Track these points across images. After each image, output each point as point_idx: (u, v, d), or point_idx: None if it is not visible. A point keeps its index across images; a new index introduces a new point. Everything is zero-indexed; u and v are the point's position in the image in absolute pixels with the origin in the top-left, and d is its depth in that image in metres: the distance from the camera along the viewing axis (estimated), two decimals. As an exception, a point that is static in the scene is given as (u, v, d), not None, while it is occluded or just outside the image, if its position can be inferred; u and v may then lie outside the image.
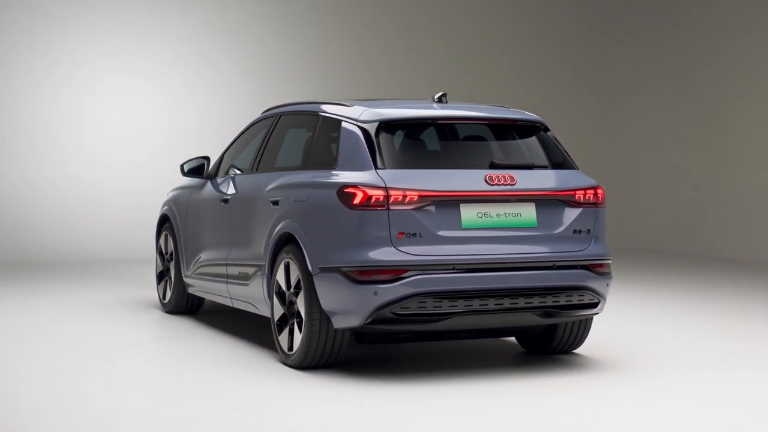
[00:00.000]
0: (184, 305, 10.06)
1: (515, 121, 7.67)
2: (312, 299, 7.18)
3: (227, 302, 8.87)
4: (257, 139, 8.91)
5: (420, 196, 6.94)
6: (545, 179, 7.35)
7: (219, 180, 9.20)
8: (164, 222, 10.37)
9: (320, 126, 7.80)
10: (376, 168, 7.07)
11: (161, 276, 10.43)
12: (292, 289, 7.48)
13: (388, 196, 6.90)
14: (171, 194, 10.36)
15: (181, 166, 9.56)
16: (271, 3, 16.82)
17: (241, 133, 9.36)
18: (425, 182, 7.00)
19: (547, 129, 7.77)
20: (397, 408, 6.34)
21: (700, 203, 17.14)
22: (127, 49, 16.08)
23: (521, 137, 7.66)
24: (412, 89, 16.78)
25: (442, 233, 6.97)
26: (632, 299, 11.43)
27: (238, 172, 8.93)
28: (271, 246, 7.75)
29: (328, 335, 7.22)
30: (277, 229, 7.66)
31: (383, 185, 6.93)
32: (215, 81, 16.48)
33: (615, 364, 7.74)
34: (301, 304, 7.33)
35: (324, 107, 7.91)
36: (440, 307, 6.89)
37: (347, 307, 6.94)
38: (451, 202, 7.02)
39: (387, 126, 7.31)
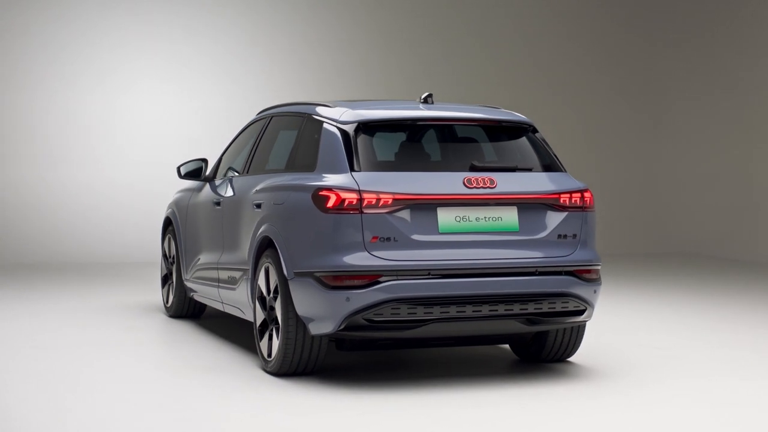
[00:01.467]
0: (186, 309, 9.95)
1: (500, 122, 7.43)
2: (288, 305, 7.02)
3: (220, 307, 8.74)
4: (251, 141, 8.78)
5: (394, 200, 6.74)
6: (528, 182, 7.10)
7: (217, 182, 9.07)
8: (168, 225, 10.28)
9: (304, 127, 7.64)
10: (353, 170, 6.89)
11: (165, 279, 10.34)
12: (271, 294, 7.32)
13: (361, 200, 6.71)
14: (175, 196, 10.27)
15: (178, 169, 9.43)
16: (288, 5, 16.77)
17: (238, 135, 9.23)
18: (401, 185, 6.79)
19: (535, 130, 7.52)
20: (376, 416, 6.16)
21: (745, 206, 16.71)
22: (151, 53, 16.09)
23: (507, 139, 7.43)
24: (417, 90, 16.59)
25: (417, 238, 6.76)
26: (651, 305, 11.13)
27: (235, 174, 8.80)
28: (253, 250, 7.60)
29: (305, 342, 7.05)
30: (258, 233, 7.51)
31: (357, 188, 6.74)
32: (240, 82, 16.41)
33: (605, 373, 7.48)
34: (279, 310, 7.17)
35: (308, 108, 7.75)
36: (415, 313, 6.68)
37: (320, 313, 6.76)
38: (427, 206, 6.81)
39: (366, 127, 7.13)
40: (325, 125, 7.30)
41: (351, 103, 7.57)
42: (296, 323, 6.99)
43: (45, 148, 15.81)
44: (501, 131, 7.46)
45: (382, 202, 6.72)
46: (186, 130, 16.19)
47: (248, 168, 8.47)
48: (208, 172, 9.41)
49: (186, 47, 16.30)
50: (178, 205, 9.98)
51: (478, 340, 7.41)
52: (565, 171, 7.38)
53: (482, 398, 6.63)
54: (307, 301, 6.84)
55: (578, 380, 7.23)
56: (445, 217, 6.84)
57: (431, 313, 6.70)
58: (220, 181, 9.01)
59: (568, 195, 7.14)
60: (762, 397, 6.75)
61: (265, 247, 7.43)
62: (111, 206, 15.83)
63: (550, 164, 7.35)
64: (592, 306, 7.16)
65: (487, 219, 6.91)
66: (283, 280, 7.05)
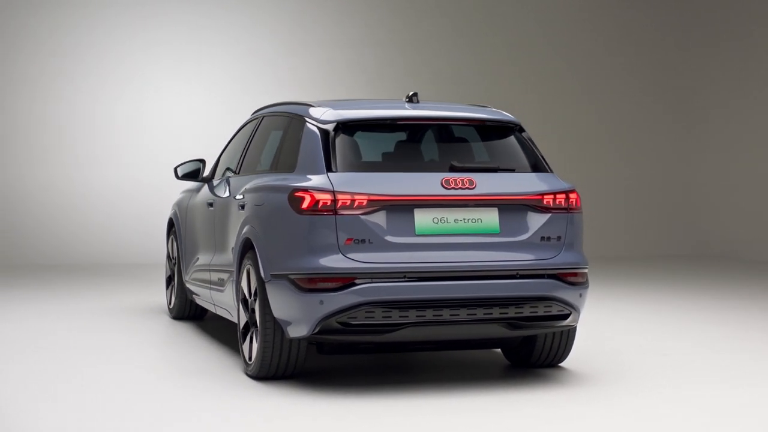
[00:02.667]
0: (188, 311, 9.88)
1: (483, 121, 7.25)
2: (265, 307, 6.90)
3: (212, 309, 8.66)
4: (244, 141, 8.69)
5: (369, 201, 6.59)
6: (510, 183, 6.90)
7: (215, 182, 8.99)
8: (172, 225, 10.23)
9: (290, 127, 7.53)
10: (329, 171, 6.76)
11: (169, 281, 10.29)
12: (252, 297, 7.22)
13: (335, 201, 6.57)
14: (178, 197, 10.21)
15: (175, 170, 9.34)
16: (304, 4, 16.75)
17: (235, 135, 9.14)
18: (376, 186, 6.64)
19: (522, 130, 7.33)
20: (356, 422, 6.01)
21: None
22: (176, 54, 16.11)
23: (491, 139, 7.25)
24: (426, 89, 16.42)
25: (393, 240, 6.60)
26: (664, 308, 10.90)
27: (232, 174, 8.71)
28: (237, 252, 7.51)
29: (283, 345, 6.92)
30: (241, 234, 7.41)
31: (331, 189, 6.60)
32: (263, 83, 16.37)
33: (594, 378, 7.27)
34: (257, 313, 7.06)
35: (295, 108, 7.64)
36: (390, 317, 6.52)
37: (295, 316, 6.64)
38: (404, 207, 6.65)
39: (345, 127, 6.99)
40: (306, 125, 7.18)
41: (336, 103, 7.44)
42: (274, 326, 6.87)
43: (56, 149, 15.89)
44: (486, 131, 7.28)
45: (356, 204, 6.58)
46: (207, 130, 16.17)
47: (240, 168, 8.38)
48: (208, 173, 9.33)
49: (215, 48, 16.30)
50: (179, 206, 9.92)
51: (462, 344, 7.23)
52: (551, 171, 7.18)
53: (467, 404, 6.45)
54: (282, 303, 6.72)
55: (566, 386, 7.03)
56: (422, 218, 6.68)
57: (407, 316, 6.54)
58: (218, 181, 8.92)
59: (551, 196, 6.94)
60: (754, 407, 6.51)
61: (247, 248, 7.33)
62: (128, 207, 15.86)
63: (535, 164, 7.16)
64: (577, 310, 6.96)
65: (466, 220, 6.74)
66: (261, 283, 6.94)
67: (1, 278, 13.56)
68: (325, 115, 7.09)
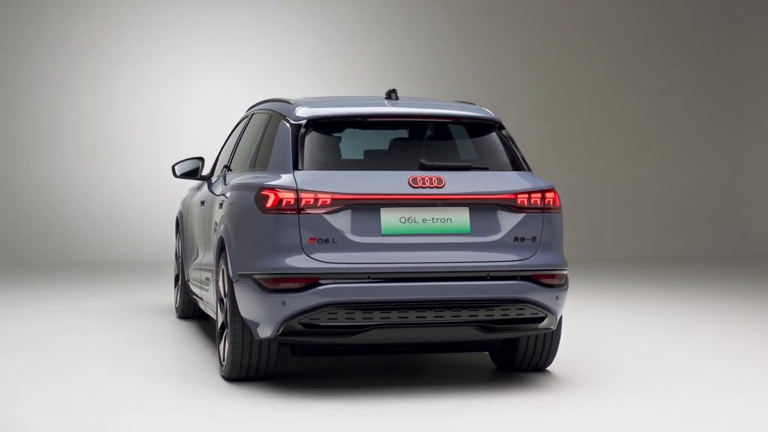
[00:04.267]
0: (193, 310, 9.83)
1: (459, 118, 7.05)
2: (234, 308, 6.80)
3: (204, 308, 8.58)
4: (235, 139, 8.60)
5: (333, 200, 6.44)
6: (482, 182, 6.69)
7: (213, 180, 8.91)
8: (178, 224, 10.19)
9: (269, 125, 7.42)
10: (296, 169, 6.62)
11: (177, 280, 10.25)
12: (226, 297, 7.12)
13: (299, 200, 6.43)
14: (185, 195, 10.17)
15: (173, 168, 9.26)
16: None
17: (231, 132, 9.06)
18: (342, 185, 6.49)
19: (501, 127, 7.11)
20: (331, 425, 5.89)
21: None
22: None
23: (468, 136, 7.06)
24: (431, 88, 16.19)
25: (358, 239, 6.44)
26: (680, 311, 10.60)
27: (229, 171, 8.62)
28: (215, 250, 7.42)
29: (252, 346, 6.80)
30: (217, 233, 7.33)
31: (295, 187, 6.47)
32: (271, 79, 16.34)
33: (578, 382, 7.04)
34: (227, 313, 6.96)
35: (275, 105, 7.52)
36: (353, 318, 6.37)
37: (260, 317, 6.52)
38: (370, 207, 6.49)
39: (315, 124, 6.85)
40: (281, 122, 7.07)
41: (316, 100, 7.31)
42: (242, 327, 6.76)
43: (65, 147, 16.02)
44: (463, 128, 7.08)
45: (320, 202, 6.43)
46: (213, 127, 16.11)
47: (230, 166, 8.30)
48: (209, 170, 9.25)
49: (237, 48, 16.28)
50: (183, 204, 9.88)
51: (439, 347, 7.04)
52: (529, 170, 6.96)
53: (445, 408, 6.29)
54: (248, 304, 6.61)
55: (545, 390, 6.82)
56: (389, 218, 6.51)
57: (371, 318, 6.38)
58: (215, 179, 8.84)
59: (526, 195, 6.71)
60: (727, 414, 6.24)
61: (223, 248, 7.23)
62: (154, 205, 15.91)
63: (513, 163, 6.94)
64: (553, 313, 6.72)
65: (435, 220, 6.55)
66: (231, 283, 6.84)
67: (6, 277, 13.65)
68: (298, 112, 6.96)
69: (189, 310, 9.83)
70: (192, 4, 16.48)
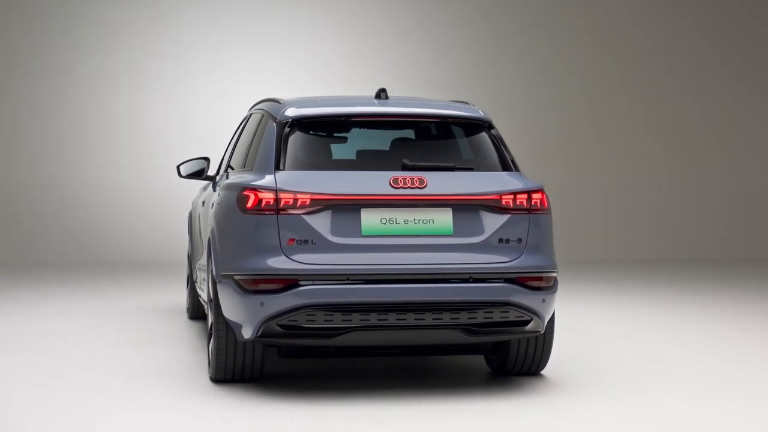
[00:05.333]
0: (202, 310, 9.81)
1: (446, 118, 6.94)
2: (218, 309, 6.76)
3: (205, 308, 8.56)
4: (236, 139, 8.58)
5: (312, 200, 6.36)
6: (465, 182, 6.56)
7: (217, 180, 8.87)
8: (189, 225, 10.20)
9: (260, 124, 7.38)
10: (279, 169, 6.56)
11: (188, 280, 10.25)
12: (213, 298, 7.08)
13: (277, 200, 6.37)
14: (195, 195, 10.16)
15: (178, 168, 9.22)
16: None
17: (235, 132, 9.03)
18: (321, 185, 6.41)
19: (491, 127, 6.99)
20: (319, 427, 5.84)
21: None
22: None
23: (456, 136, 6.95)
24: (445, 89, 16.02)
25: (337, 240, 6.36)
26: (696, 314, 10.40)
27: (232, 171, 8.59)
28: (206, 251, 7.39)
29: (237, 348, 6.75)
30: (207, 234, 7.31)
31: (274, 187, 6.41)
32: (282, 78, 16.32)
33: (574, 386, 6.91)
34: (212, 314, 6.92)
35: (268, 105, 7.48)
36: (332, 320, 6.28)
37: (240, 318, 6.46)
38: (350, 207, 6.40)
39: (300, 124, 6.79)
40: (269, 122, 7.03)
41: (303, 100, 7.25)
42: (226, 328, 6.72)
43: (80, 148, 16.13)
44: (451, 128, 6.98)
45: (299, 203, 6.37)
46: (223, 128, 16.11)
47: (231, 166, 8.27)
48: (215, 170, 9.22)
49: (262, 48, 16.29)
50: (193, 205, 9.88)
51: (425, 350, 6.94)
52: (517, 170, 6.83)
53: (436, 411, 6.20)
54: (229, 305, 6.56)
55: (542, 394, 6.69)
56: (369, 218, 6.42)
57: (350, 320, 6.29)
58: (218, 178, 8.81)
59: (511, 196, 6.58)
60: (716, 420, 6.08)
61: (210, 248, 7.20)
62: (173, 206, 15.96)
63: (502, 163, 6.82)
64: (540, 316, 6.58)
65: (417, 221, 6.45)
66: (215, 283, 6.80)
67: (19, 277, 13.75)
68: (284, 111, 6.91)
69: (198, 311, 9.82)
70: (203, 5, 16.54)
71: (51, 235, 15.90)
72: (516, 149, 15.19)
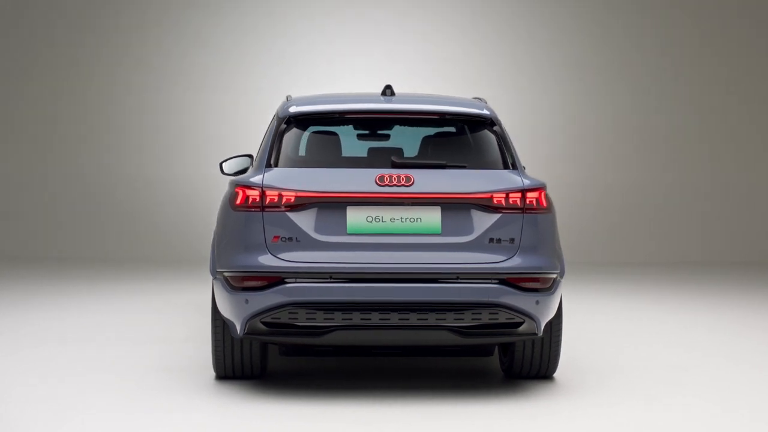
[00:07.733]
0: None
1: (444, 114, 6.81)
2: (215, 306, 6.79)
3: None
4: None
5: (297, 197, 6.33)
6: (455, 180, 6.41)
7: None
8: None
9: (271, 122, 7.40)
10: (270, 166, 6.57)
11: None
12: (214, 295, 7.12)
13: (263, 197, 6.36)
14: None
15: (221, 165, 9.24)
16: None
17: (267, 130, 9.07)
18: (307, 182, 6.37)
19: (493, 124, 6.81)
20: (321, 428, 5.84)
21: None
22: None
23: (455, 134, 6.83)
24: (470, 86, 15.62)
25: (322, 238, 6.31)
26: (708, 319, 10.17)
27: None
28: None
29: (234, 345, 6.78)
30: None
31: (260, 185, 6.40)
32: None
33: (585, 390, 6.77)
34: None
35: (281, 102, 7.49)
36: (314, 319, 6.24)
37: (229, 315, 6.49)
38: (335, 205, 6.34)
39: (297, 121, 6.78)
40: (272, 120, 7.07)
41: (309, 98, 7.27)
42: (222, 325, 6.74)
43: (118, 141, 16.33)
44: (451, 125, 6.85)
45: (284, 200, 6.34)
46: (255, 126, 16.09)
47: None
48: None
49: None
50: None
51: (421, 351, 6.85)
52: (516, 168, 6.64)
53: (441, 413, 6.14)
54: (221, 302, 6.59)
55: (549, 398, 6.58)
56: (355, 217, 6.35)
57: (332, 319, 6.23)
58: None
59: (502, 195, 6.40)
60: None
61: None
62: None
63: (501, 161, 6.65)
64: (534, 318, 6.38)
65: (404, 220, 6.35)
66: (212, 280, 6.84)
67: (52, 271, 13.96)
68: (284, 109, 6.93)
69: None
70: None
71: (92, 231, 16.17)
72: (539, 148, 14.84)
